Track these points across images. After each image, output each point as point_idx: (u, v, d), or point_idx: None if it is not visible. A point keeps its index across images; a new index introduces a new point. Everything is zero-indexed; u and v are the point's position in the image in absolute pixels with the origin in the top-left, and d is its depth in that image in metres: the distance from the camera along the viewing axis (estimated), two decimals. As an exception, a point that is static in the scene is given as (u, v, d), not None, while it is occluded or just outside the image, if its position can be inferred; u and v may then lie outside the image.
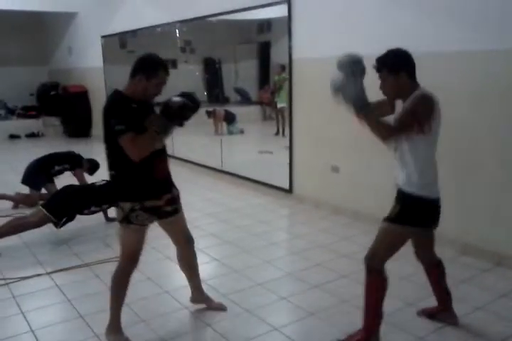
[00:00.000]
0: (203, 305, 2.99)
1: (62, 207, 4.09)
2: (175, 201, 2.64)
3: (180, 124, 2.40)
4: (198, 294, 2.97)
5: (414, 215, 2.40)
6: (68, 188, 4.33)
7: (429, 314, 2.79)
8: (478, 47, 3.40)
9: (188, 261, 2.87)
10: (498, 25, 3.28)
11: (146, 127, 2.32)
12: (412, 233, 2.49)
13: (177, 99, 2.36)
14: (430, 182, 2.40)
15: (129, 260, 2.58)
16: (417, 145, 2.32)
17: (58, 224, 4.07)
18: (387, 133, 2.28)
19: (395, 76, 2.32)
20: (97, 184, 4.41)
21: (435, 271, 2.69)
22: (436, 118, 2.30)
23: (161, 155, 2.52)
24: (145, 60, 2.46)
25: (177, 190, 2.68)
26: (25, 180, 5.14)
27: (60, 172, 5.27)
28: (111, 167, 2.48)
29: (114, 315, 2.64)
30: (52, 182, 5.22)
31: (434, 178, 2.42)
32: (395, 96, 2.40)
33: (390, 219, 2.43)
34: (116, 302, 2.64)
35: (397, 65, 2.33)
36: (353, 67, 2.21)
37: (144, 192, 2.47)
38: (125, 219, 2.47)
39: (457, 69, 3.57)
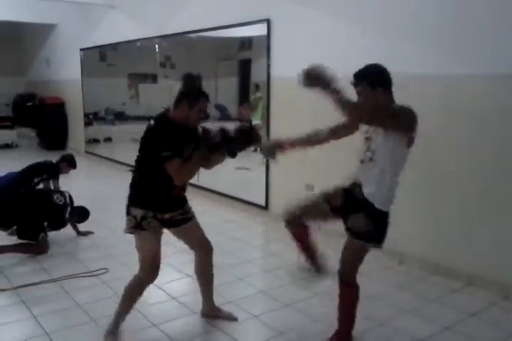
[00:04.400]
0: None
1: (32, 226, 4.05)
2: (185, 212, 2.76)
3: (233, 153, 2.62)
4: (209, 306, 3.01)
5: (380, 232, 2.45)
6: (24, 200, 4.19)
7: None
8: (450, 71, 3.50)
9: (202, 269, 2.93)
10: (473, 50, 3.39)
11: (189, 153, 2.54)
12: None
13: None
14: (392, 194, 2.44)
15: (150, 267, 2.64)
16: (396, 156, 2.36)
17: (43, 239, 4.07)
18: (355, 111, 2.24)
19: (373, 91, 2.33)
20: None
21: None
22: (414, 132, 2.31)
23: None
24: (187, 91, 2.59)
25: (188, 204, 2.81)
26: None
27: (39, 183, 5.13)
28: (136, 171, 2.64)
29: (117, 321, 2.70)
30: None
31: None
32: None
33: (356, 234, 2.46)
34: (125, 309, 2.71)
35: (375, 79, 2.35)
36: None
37: (158, 205, 2.60)
38: (138, 226, 2.57)
39: (428, 91, 3.66)
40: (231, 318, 3.00)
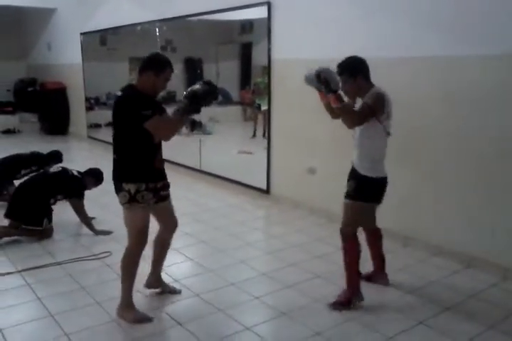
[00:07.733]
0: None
1: (34, 212, 4.07)
2: (167, 187, 2.92)
3: (198, 110, 2.67)
4: (155, 279, 3.13)
5: (366, 193, 2.89)
6: (23, 189, 4.20)
7: (367, 277, 3.24)
8: (449, 53, 3.47)
9: (164, 243, 3.06)
10: (471, 31, 3.36)
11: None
12: (366, 207, 2.97)
13: (200, 86, 2.62)
14: (378, 165, 2.88)
15: (139, 239, 2.75)
16: (372, 134, 2.80)
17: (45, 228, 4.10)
18: (354, 118, 2.72)
19: (354, 79, 2.80)
20: (52, 171, 4.31)
21: (374, 238, 3.20)
22: (386, 111, 2.77)
23: (160, 149, 2.81)
24: (153, 58, 2.71)
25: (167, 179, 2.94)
26: None
27: (27, 175, 4.96)
28: (115, 151, 2.73)
29: (127, 295, 2.81)
30: (13, 184, 4.92)
31: (381, 161, 2.90)
32: (354, 95, 2.89)
33: (349, 196, 2.93)
34: (128, 282, 2.80)
35: (355, 69, 2.81)
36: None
37: (148, 175, 2.72)
38: (131, 200, 2.67)
39: (427, 73, 3.64)
40: (174, 292, 3.15)
